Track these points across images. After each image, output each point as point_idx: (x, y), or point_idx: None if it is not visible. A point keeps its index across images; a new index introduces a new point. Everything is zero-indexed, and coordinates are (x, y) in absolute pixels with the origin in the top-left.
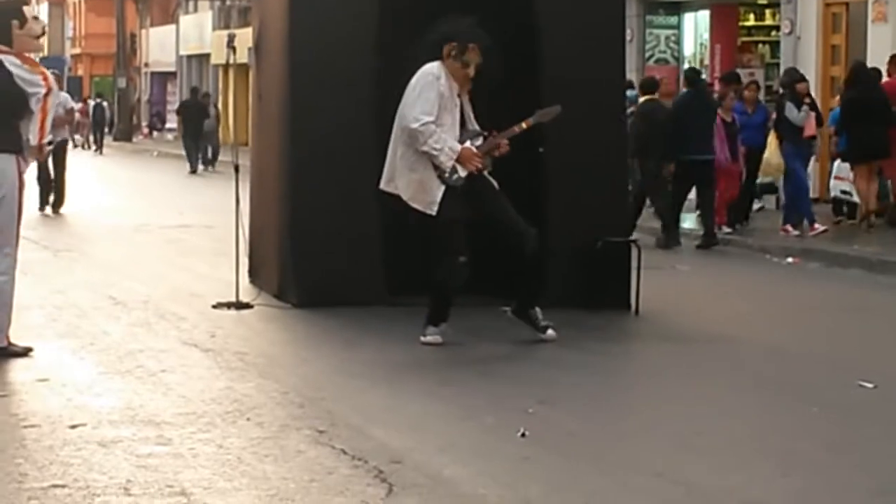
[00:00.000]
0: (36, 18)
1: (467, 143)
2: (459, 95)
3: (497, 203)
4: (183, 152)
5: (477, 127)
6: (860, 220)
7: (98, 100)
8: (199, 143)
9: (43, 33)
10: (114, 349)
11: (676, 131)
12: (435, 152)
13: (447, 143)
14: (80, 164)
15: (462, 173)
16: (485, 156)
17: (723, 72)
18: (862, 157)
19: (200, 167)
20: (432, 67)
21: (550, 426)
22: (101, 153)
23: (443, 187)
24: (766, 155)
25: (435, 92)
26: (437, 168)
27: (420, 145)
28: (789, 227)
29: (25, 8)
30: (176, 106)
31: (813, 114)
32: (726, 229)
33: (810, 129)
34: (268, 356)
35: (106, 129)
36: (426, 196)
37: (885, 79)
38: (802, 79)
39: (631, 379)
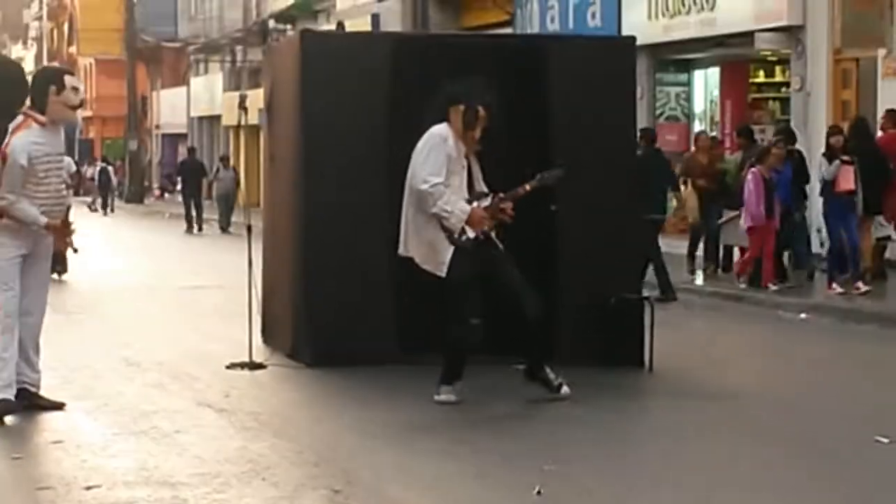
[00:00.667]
0: (76, 89)
1: (475, 205)
2: (467, 156)
3: (503, 266)
4: (193, 213)
5: (484, 188)
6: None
7: (103, 164)
8: (199, 202)
9: (80, 105)
10: (128, 410)
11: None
12: (445, 214)
13: (457, 205)
14: (92, 227)
15: (471, 234)
16: (492, 217)
17: (734, 127)
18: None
19: (201, 228)
20: (440, 129)
21: (566, 484)
22: (107, 214)
23: (451, 248)
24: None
25: (443, 154)
26: (447, 229)
27: (430, 207)
28: (834, 285)
29: (67, 77)
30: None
31: (850, 168)
32: (773, 287)
33: (845, 183)
34: (282, 416)
35: (115, 192)
36: (436, 257)
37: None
38: (836, 132)
39: (646, 436)
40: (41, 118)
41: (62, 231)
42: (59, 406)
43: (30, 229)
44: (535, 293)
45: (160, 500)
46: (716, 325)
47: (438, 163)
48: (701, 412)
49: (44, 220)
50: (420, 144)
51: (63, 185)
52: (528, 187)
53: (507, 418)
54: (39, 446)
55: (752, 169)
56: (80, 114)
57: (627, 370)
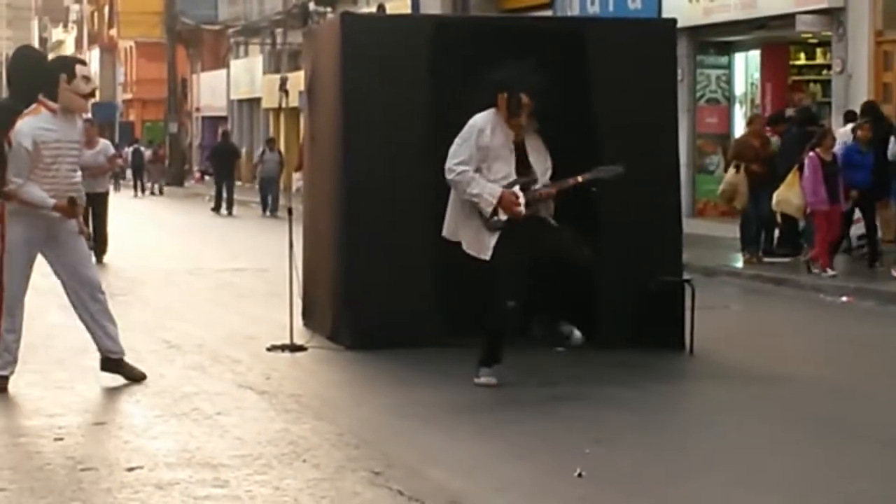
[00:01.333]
0: (87, 79)
1: (515, 189)
2: (517, 142)
3: (552, 232)
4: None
5: (545, 167)
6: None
7: (135, 145)
8: (230, 185)
9: (91, 94)
10: (169, 392)
11: None
12: (475, 199)
13: (486, 189)
14: (131, 210)
15: (502, 217)
16: (532, 203)
17: (773, 112)
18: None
19: (231, 211)
20: (480, 117)
21: (607, 466)
22: (143, 196)
23: (497, 233)
24: (785, 193)
25: (473, 142)
26: (482, 214)
27: (461, 194)
28: None
29: (79, 66)
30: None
31: None
32: (830, 272)
33: None
34: (323, 398)
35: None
36: (480, 242)
37: None
38: None
39: (686, 418)
40: (53, 105)
41: (70, 211)
42: (141, 376)
43: (45, 213)
44: (585, 246)
45: (201, 482)
46: (756, 308)
47: (467, 150)
48: (742, 395)
49: (52, 201)
50: (460, 133)
51: (76, 172)
52: (580, 179)
53: (549, 400)
54: (82, 428)
55: (811, 153)
56: (122, 97)
57: (668, 353)
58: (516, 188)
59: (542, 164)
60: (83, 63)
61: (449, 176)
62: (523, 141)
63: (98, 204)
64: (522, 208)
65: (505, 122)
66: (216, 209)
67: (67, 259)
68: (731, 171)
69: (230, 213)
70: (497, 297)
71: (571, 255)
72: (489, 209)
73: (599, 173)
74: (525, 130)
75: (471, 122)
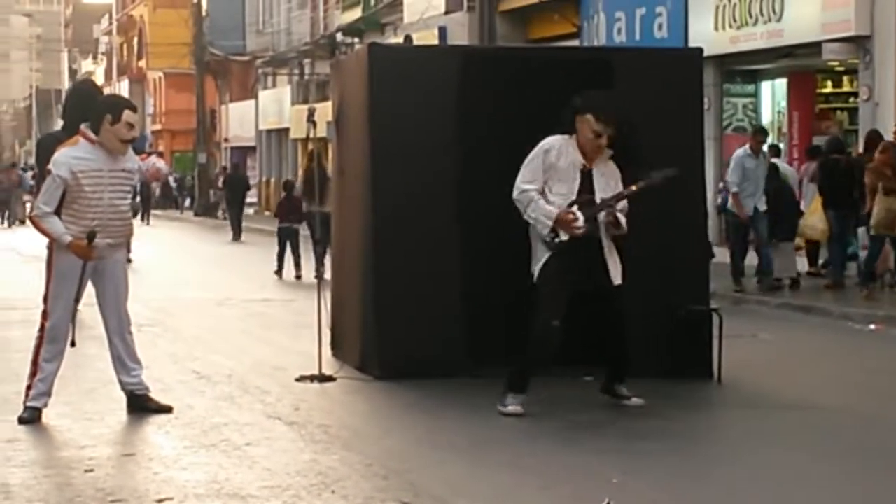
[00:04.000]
0: (131, 126)
1: (573, 208)
2: (588, 170)
3: (606, 297)
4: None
5: (616, 192)
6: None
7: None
8: (239, 214)
9: (131, 140)
10: (198, 423)
11: None
12: (532, 220)
13: (541, 212)
14: (159, 239)
15: (563, 237)
16: (590, 220)
17: (806, 143)
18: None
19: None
20: (549, 139)
21: (634, 496)
22: (149, 223)
23: (547, 253)
24: (811, 219)
25: (539, 161)
26: (541, 235)
27: (523, 214)
28: None
29: (127, 112)
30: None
31: None
32: None
33: None
34: (351, 428)
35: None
36: (534, 261)
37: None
38: None
39: (715, 447)
40: (92, 136)
41: (86, 252)
42: (167, 409)
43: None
44: (623, 332)
45: None
46: (785, 337)
47: (532, 170)
48: (771, 424)
49: (67, 238)
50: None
51: (124, 202)
52: (634, 188)
53: (576, 430)
54: (112, 459)
55: None
56: (150, 128)
57: (696, 382)
58: (574, 207)
59: (608, 192)
60: (133, 109)
61: (514, 194)
62: (592, 170)
63: None
64: (580, 225)
65: (577, 147)
66: (236, 238)
67: (108, 291)
68: (879, 196)
69: (239, 240)
70: (542, 317)
71: (610, 331)
72: (546, 231)
73: (652, 180)
74: (599, 159)
75: (541, 143)
